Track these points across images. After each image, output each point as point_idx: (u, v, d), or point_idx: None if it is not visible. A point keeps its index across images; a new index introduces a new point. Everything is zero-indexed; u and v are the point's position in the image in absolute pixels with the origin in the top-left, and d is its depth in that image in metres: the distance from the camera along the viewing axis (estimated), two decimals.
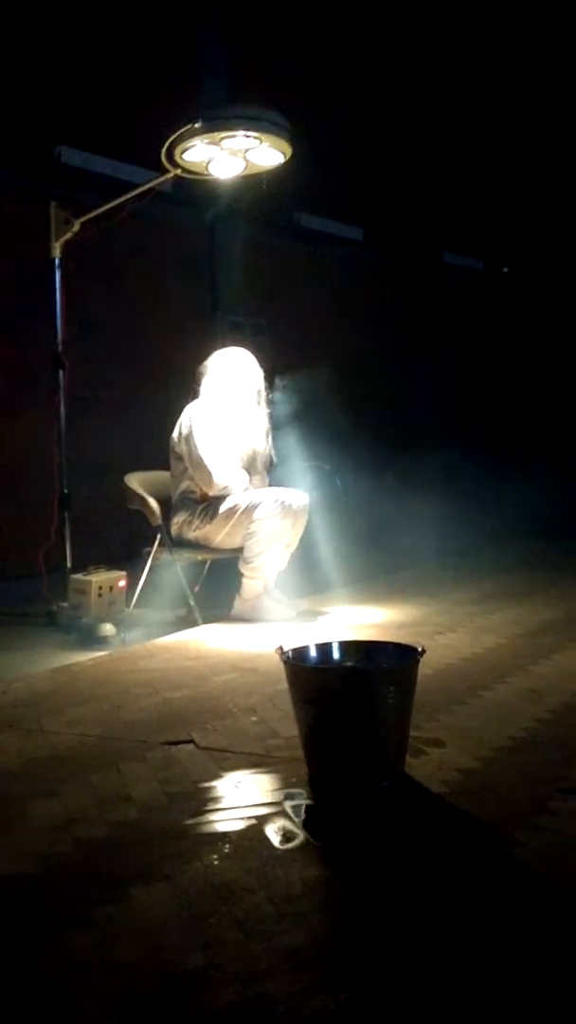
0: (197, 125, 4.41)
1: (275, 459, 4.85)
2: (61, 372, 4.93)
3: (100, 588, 4.59)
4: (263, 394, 4.73)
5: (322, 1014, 1.42)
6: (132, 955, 1.59)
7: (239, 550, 4.53)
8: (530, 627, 4.20)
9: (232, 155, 4.61)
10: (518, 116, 10.61)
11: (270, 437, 4.78)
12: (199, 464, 4.50)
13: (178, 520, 4.59)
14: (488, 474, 9.06)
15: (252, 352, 4.82)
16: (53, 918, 1.73)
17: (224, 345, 4.97)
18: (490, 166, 10.68)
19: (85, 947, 1.62)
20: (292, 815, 2.17)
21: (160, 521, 4.53)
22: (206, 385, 4.69)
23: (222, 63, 7.70)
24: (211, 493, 4.51)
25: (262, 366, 4.78)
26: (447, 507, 6.90)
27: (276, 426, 4.89)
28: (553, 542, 6.93)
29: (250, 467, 4.68)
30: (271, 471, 4.83)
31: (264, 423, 4.73)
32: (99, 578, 4.61)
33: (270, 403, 4.81)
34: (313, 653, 2.54)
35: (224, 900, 1.76)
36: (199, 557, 4.71)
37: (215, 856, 1.96)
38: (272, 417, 4.82)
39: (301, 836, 2.06)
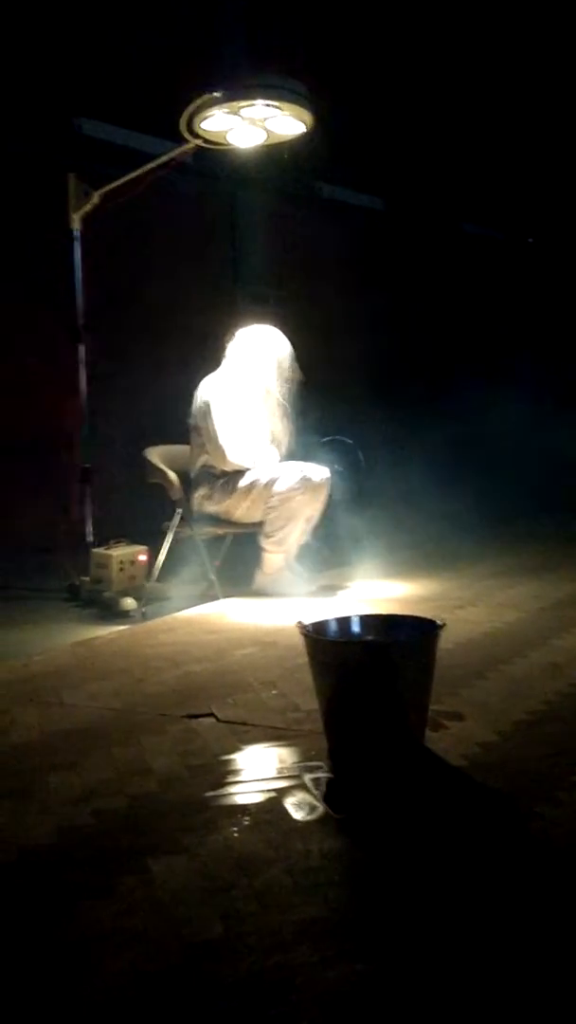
0: (216, 94, 4.36)
1: (289, 441, 4.73)
2: (82, 345, 4.92)
3: (121, 562, 4.59)
4: (289, 379, 4.63)
5: (340, 985, 1.43)
6: (151, 926, 1.61)
7: (260, 524, 4.52)
8: (551, 601, 4.18)
9: (252, 125, 4.56)
10: (542, 84, 10.45)
11: (289, 421, 4.72)
12: (214, 440, 4.48)
13: (198, 494, 4.58)
14: (509, 446, 8.99)
15: (274, 324, 4.77)
16: (74, 889, 1.75)
17: (245, 316, 4.91)
18: (512, 135, 10.54)
19: (105, 917, 1.64)
20: (312, 788, 2.18)
21: (180, 495, 4.53)
22: (228, 359, 4.66)
23: (241, 32, 7.62)
24: (226, 469, 4.50)
25: (284, 337, 4.71)
26: (470, 480, 6.85)
27: (298, 407, 4.79)
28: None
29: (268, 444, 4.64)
30: (286, 454, 4.74)
31: (285, 408, 4.67)
32: (120, 552, 4.62)
33: (295, 387, 4.69)
34: (333, 627, 2.54)
35: (243, 872, 1.77)
36: (219, 531, 4.71)
37: (234, 828, 1.97)
38: (294, 403, 4.72)
39: (320, 809, 2.07)
